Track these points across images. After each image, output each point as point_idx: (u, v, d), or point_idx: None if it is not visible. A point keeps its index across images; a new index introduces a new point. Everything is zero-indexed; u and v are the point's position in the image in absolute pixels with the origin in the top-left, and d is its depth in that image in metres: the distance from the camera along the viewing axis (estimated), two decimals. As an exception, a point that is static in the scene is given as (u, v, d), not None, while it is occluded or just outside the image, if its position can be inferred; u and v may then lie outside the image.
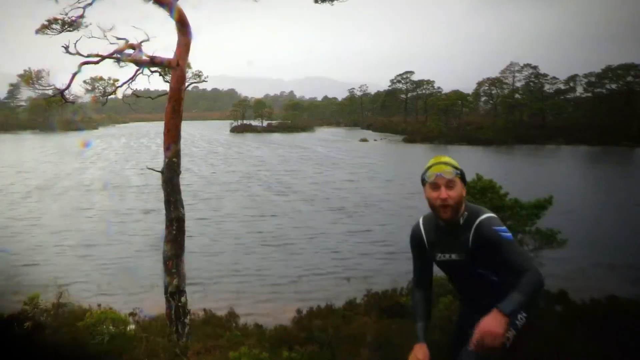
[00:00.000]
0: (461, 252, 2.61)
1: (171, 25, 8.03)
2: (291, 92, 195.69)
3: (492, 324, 2.22)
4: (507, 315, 2.23)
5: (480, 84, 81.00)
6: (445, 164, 2.59)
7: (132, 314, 8.78)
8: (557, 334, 6.93)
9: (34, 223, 21.15)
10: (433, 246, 2.72)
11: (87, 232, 19.70)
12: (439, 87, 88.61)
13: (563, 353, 6.05)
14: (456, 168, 2.59)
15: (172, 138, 7.99)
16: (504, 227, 2.53)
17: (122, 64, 8.49)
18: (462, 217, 2.60)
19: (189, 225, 9.13)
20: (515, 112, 72.88)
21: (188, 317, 7.90)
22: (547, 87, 75.10)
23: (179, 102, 8.07)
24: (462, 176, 2.60)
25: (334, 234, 19.42)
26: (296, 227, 20.61)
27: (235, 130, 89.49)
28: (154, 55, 8.39)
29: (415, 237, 2.80)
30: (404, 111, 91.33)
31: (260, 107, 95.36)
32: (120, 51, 8.28)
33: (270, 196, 28.06)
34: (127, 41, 8.32)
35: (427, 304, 2.84)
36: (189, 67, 9.09)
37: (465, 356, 2.53)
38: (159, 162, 8.29)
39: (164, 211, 8.04)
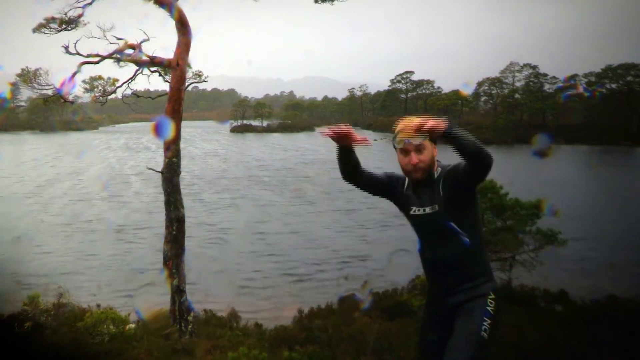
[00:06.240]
0: (434, 204, 2.64)
1: (171, 25, 8.05)
2: (291, 92, 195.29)
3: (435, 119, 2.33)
4: (448, 125, 2.30)
5: (480, 83, 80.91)
6: None
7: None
8: (557, 334, 6.94)
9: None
10: (409, 199, 2.75)
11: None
12: (438, 87, 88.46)
13: (563, 353, 6.05)
14: None
15: (172, 138, 8.00)
16: None
17: (122, 64, 8.51)
18: (436, 173, 2.67)
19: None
20: (515, 112, 72.76)
21: (190, 315, 7.91)
22: (547, 86, 75.04)
23: (179, 102, 8.07)
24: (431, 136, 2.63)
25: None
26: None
27: (235, 130, 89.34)
28: (153, 55, 8.40)
29: (397, 179, 2.81)
30: (404, 111, 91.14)
31: (260, 107, 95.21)
32: (120, 51, 8.29)
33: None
34: (126, 41, 8.33)
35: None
36: (189, 67, 9.09)
37: (456, 348, 2.44)
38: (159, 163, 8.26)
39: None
